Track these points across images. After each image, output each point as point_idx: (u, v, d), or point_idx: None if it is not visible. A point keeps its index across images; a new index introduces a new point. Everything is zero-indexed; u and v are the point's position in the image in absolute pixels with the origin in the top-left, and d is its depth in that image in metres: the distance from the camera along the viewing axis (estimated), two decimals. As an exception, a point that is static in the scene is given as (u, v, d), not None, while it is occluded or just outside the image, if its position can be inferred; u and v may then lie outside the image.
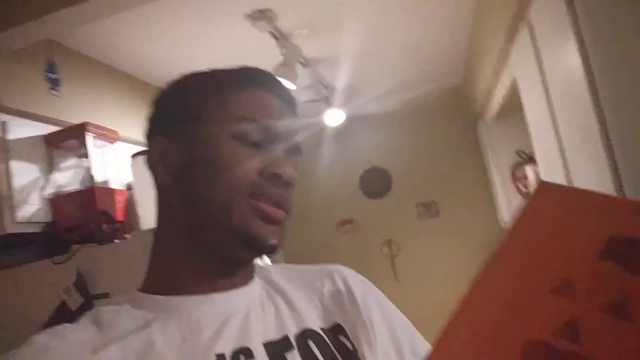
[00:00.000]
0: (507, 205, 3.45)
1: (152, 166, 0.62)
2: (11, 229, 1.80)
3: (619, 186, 1.39)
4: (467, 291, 0.43)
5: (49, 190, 1.95)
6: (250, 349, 0.54)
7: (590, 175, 1.59)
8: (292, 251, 2.60)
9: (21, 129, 1.92)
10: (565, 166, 1.84)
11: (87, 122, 2.00)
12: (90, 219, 1.88)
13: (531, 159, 3.17)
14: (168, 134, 0.62)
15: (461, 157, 4.23)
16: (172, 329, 0.54)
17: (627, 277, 0.36)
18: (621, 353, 0.35)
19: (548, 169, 2.16)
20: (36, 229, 1.91)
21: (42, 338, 0.53)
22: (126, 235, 1.93)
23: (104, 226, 1.89)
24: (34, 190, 1.92)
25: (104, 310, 0.57)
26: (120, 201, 2.04)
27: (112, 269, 1.82)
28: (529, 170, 2.99)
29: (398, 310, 0.69)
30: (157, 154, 0.61)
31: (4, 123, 1.85)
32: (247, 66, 0.65)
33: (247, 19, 2.35)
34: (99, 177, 2.02)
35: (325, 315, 0.63)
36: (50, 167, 2.01)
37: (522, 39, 2.06)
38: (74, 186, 1.97)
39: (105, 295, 1.80)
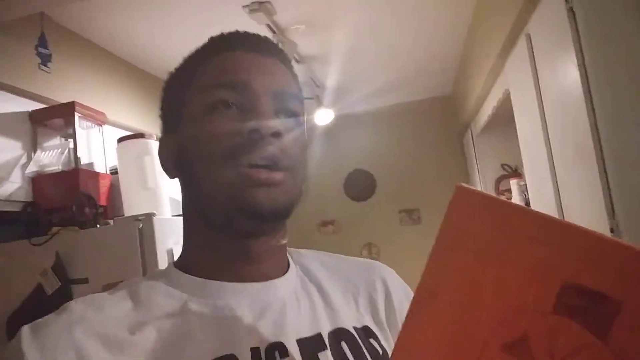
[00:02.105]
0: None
1: (162, 164, 0.62)
2: (-10, 206, 1.75)
3: (611, 207, 1.39)
4: (398, 341, 0.38)
5: (31, 169, 1.89)
6: (284, 345, 0.53)
7: (582, 194, 1.60)
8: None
9: (5, 104, 1.86)
10: (555, 183, 1.85)
11: (75, 101, 1.95)
12: (72, 201, 1.83)
13: (516, 173, 3.21)
14: (167, 129, 0.62)
15: (446, 166, 4.26)
16: (208, 316, 0.53)
17: (589, 341, 0.32)
18: None
19: (536, 184, 2.18)
20: (16, 208, 1.85)
21: (79, 307, 0.52)
22: (108, 221, 1.88)
23: (87, 210, 1.85)
24: (15, 167, 1.86)
25: (141, 285, 0.56)
26: (104, 185, 2.00)
27: (92, 254, 1.78)
28: (513, 183, 3.02)
29: None
30: (162, 151, 0.62)
31: (-14, 96, 1.79)
32: (214, 36, 0.62)
33: (245, 9, 2.33)
34: (83, 159, 1.97)
35: (359, 314, 0.61)
36: (33, 145, 1.95)
37: (519, 49, 2.08)
38: (57, 167, 1.92)
39: (84, 281, 1.76)
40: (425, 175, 4.31)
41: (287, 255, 0.64)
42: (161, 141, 0.63)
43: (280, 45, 0.66)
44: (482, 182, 3.52)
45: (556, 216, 0.37)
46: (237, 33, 0.61)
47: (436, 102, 4.36)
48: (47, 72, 1.79)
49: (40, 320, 0.51)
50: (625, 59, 1.39)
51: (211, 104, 0.55)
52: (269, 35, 2.51)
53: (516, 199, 2.97)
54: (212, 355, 0.50)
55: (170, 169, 0.61)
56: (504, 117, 2.74)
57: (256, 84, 0.56)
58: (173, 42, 2.63)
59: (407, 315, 0.38)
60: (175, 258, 1.88)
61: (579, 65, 1.46)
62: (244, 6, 2.32)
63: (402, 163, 4.37)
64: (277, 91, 0.57)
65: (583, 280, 0.32)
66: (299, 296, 0.59)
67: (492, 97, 2.82)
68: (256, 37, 0.62)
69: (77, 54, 2.34)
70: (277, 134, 0.54)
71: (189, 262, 0.59)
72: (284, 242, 0.62)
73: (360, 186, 4.48)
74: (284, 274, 0.60)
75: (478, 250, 0.36)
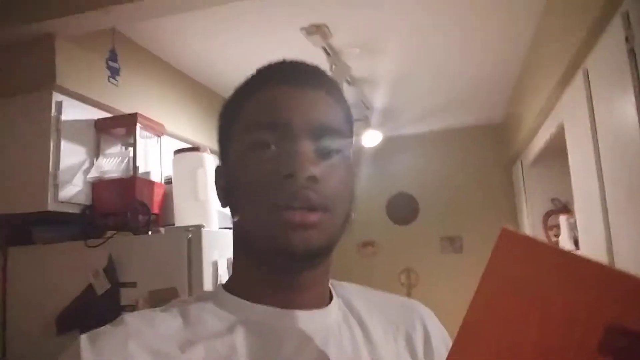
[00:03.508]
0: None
1: (217, 192, 0.64)
2: (52, 207, 1.85)
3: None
4: None
5: (93, 175, 2.00)
6: None
7: (633, 238, 1.55)
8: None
9: (74, 111, 1.98)
10: (606, 223, 1.80)
11: (137, 112, 2.05)
12: (128, 207, 1.92)
13: (566, 208, 3.13)
14: (221, 159, 0.65)
15: (492, 196, 4.18)
16: (254, 339, 0.55)
17: None
18: None
19: (586, 222, 2.12)
20: (75, 210, 1.95)
21: (134, 321, 0.54)
22: (160, 229, 1.96)
23: (140, 217, 1.93)
24: (78, 172, 1.97)
25: (191, 304, 0.59)
26: (158, 194, 2.09)
27: (142, 259, 1.85)
28: (562, 219, 2.94)
29: None
30: (216, 180, 0.64)
31: (59, 103, 1.91)
32: (260, 67, 0.62)
33: (302, 31, 2.39)
34: (141, 168, 2.06)
35: (398, 351, 0.62)
36: (96, 151, 2.06)
37: (576, 84, 2.05)
38: (117, 173, 2.02)
39: (132, 285, 1.83)
40: (470, 203, 4.24)
41: (330, 286, 0.65)
42: (216, 170, 0.65)
43: (332, 68, 0.65)
44: (530, 215, 3.44)
45: (605, 258, 0.38)
46: (282, 64, 0.61)
47: (486, 129, 4.30)
48: (115, 84, 1.90)
49: (97, 330, 0.53)
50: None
51: (252, 144, 0.56)
52: (323, 57, 2.57)
53: (565, 235, 2.88)
54: None
55: (222, 198, 0.63)
56: (556, 151, 2.69)
57: (296, 123, 0.56)
58: (232, 59, 2.73)
59: (450, 353, 0.40)
60: (220, 270, 1.92)
61: (636, 106, 1.43)
62: (301, 28, 2.38)
63: (447, 189, 4.32)
64: (318, 128, 0.57)
65: (627, 323, 0.33)
66: (341, 328, 0.60)
67: (545, 129, 2.77)
68: (300, 68, 0.61)
69: (142, 68, 2.46)
70: (312, 179, 0.54)
71: (237, 286, 0.61)
72: (327, 274, 0.63)
73: (403, 209, 4.45)
74: (327, 305, 0.62)
75: (522, 292, 0.37)
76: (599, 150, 1.84)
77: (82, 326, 1.82)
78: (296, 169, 0.53)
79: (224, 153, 0.63)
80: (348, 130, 0.62)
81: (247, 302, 0.58)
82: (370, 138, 3.76)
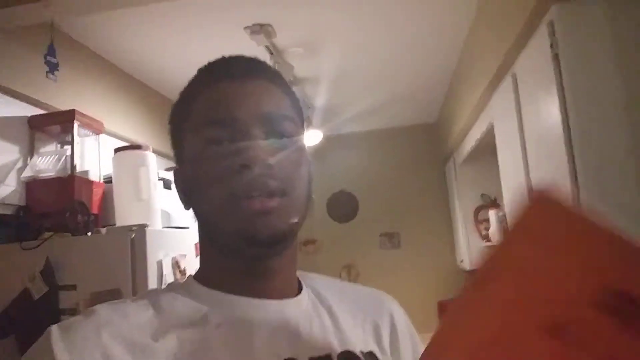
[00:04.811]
0: (467, 245, 3.58)
1: (178, 195, 0.65)
2: (-17, 208, 1.76)
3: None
4: (457, 306, 0.43)
5: (27, 174, 1.91)
6: None
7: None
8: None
9: (6, 108, 1.88)
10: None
11: (75, 109, 1.99)
12: (65, 207, 1.86)
13: (495, 203, 3.32)
14: (176, 162, 0.65)
15: (427, 193, 4.36)
16: (226, 328, 0.56)
17: (617, 336, 0.36)
18: None
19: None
20: (8, 211, 1.86)
21: (106, 311, 0.54)
22: (100, 229, 1.90)
23: (79, 217, 1.87)
24: (11, 171, 1.88)
25: (161, 295, 0.59)
26: (97, 193, 2.03)
27: (82, 261, 1.79)
28: (491, 213, 3.11)
29: None
30: (176, 183, 0.65)
31: (-12, 99, 1.82)
32: (201, 67, 0.63)
33: (246, 31, 2.40)
34: (79, 167, 1.99)
35: (365, 339, 0.63)
36: (30, 150, 1.97)
37: (505, 87, 2.19)
38: (53, 173, 1.94)
39: (72, 287, 1.77)
40: (407, 200, 4.40)
41: (299, 277, 0.67)
42: (174, 173, 0.66)
43: (275, 67, 0.67)
44: (462, 210, 3.62)
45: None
46: (222, 61, 0.62)
47: (422, 129, 4.48)
48: (53, 80, 1.83)
49: (67, 321, 0.53)
50: (604, 105, 1.49)
51: (205, 143, 0.58)
52: (267, 57, 2.59)
53: (494, 228, 3.06)
54: None
55: (183, 200, 0.64)
56: (487, 149, 2.85)
57: (242, 115, 0.57)
58: (175, 58, 2.69)
59: (468, 288, 0.44)
60: (165, 270, 1.89)
61: (560, 108, 1.56)
62: (245, 27, 2.39)
63: (385, 187, 4.45)
64: (266, 115, 0.58)
65: (624, 286, 0.37)
66: (311, 317, 0.62)
67: (476, 128, 2.92)
68: (241, 60, 0.62)
69: (81, 65, 2.38)
70: (267, 166, 0.55)
71: (207, 276, 0.62)
72: (294, 262, 0.65)
73: (343, 207, 4.54)
74: (296, 294, 0.63)
75: (533, 242, 0.41)
76: (525, 148, 1.98)
77: (19, 331, 1.75)
78: (250, 159, 0.55)
79: (178, 155, 0.64)
80: (297, 115, 0.64)
81: (218, 292, 0.59)
82: (311, 137, 3.80)
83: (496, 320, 0.40)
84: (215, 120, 0.58)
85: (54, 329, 0.51)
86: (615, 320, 0.36)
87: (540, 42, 1.68)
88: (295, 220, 0.58)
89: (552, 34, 1.57)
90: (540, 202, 0.43)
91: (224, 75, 0.60)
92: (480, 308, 0.41)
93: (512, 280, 0.41)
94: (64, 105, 2.10)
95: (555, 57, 1.56)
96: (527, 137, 1.96)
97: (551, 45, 1.58)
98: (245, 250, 0.57)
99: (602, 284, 0.37)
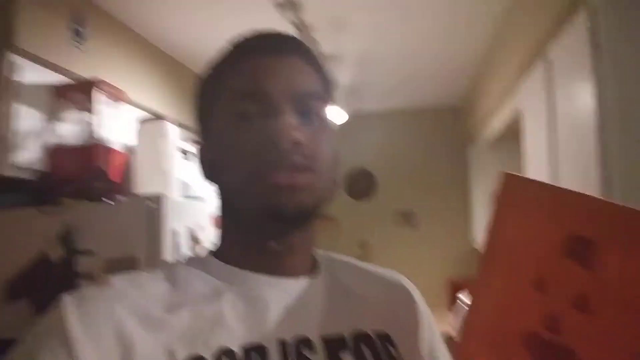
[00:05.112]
0: (483, 227, 3.54)
1: (200, 168, 0.64)
2: (5, 171, 1.78)
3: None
4: (476, 288, 0.51)
5: (49, 140, 1.92)
6: (310, 340, 0.55)
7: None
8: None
9: (31, 74, 1.89)
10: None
11: (97, 78, 1.98)
12: (86, 175, 1.87)
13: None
14: (202, 135, 0.65)
15: (446, 174, 4.33)
16: (241, 304, 0.56)
17: (583, 274, 0.43)
18: (592, 345, 0.43)
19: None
20: (30, 176, 1.88)
21: (121, 282, 0.54)
22: (120, 197, 1.92)
23: (99, 184, 1.88)
24: (34, 137, 1.89)
25: (178, 268, 0.59)
26: (118, 162, 2.04)
27: (100, 228, 1.81)
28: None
29: (442, 340, 0.69)
30: (200, 156, 0.64)
31: (14, 64, 1.82)
32: (234, 40, 0.62)
33: (276, 6, 2.36)
34: (101, 135, 2.00)
35: (380, 321, 0.62)
36: (54, 116, 1.98)
37: (536, 73, 2.11)
38: (75, 140, 1.95)
39: (89, 253, 1.80)
40: (425, 180, 4.38)
41: (316, 256, 0.66)
42: (200, 147, 0.65)
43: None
44: (480, 193, 3.58)
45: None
46: (255, 36, 0.61)
47: (445, 111, 4.42)
48: (78, 47, 1.82)
49: (81, 291, 0.53)
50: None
51: (234, 116, 0.57)
52: (294, 32, 2.54)
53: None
54: (241, 342, 0.52)
55: (206, 172, 0.63)
56: (511, 136, 2.79)
57: (274, 91, 0.56)
58: (201, 32, 2.67)
59: (481, 265, 0.50)
60: (181, 239, 1.91)
61: (596, 93, 1.49)
62: (277, 3, 2.36)
63: (405, 167, 4.44)
64: (297, 93, 0.58)
65: (580, 231, 0.45)
66: (325, 296, 0.61)
67: (502, 114, 2.85)
68: (275, 37, 0.61)
69: (108, 35, 2.38)
70: (296, 144, 0.55)
71: (225, 252, 0.61)
72: (312, 240, 0.64)
73: (361, 185, 4.53)
74: (312, 273, 0.63)
75: (516, 216, 0.49)
76: (556, 137, 1.92)
77: (34, 294, 1.78)
78: (280, 135, 0.54)
79: (205, 128, 0.63)
80: (327, 94, 0.63)
81: (235, 268, 0.59)
82: (335, 115, 3.76)
83: (499, 285, 0.49)
84: (246, 94, 0.57)
85: (68, 299, 0.51)
86: (580, 263, 0.44)
87: (578, 27, 1.61)
88: (320, 198, 0.58)
89: (592, 18, 1.50)
90: (509, 181, 0.50)
91: (257, 50, 0.59)
92: (488, 283, 0.50)
93: (505, 253, 0.49)
94: (88, 74, 2.10)
95: (594, 43, 1.49)
96: (558, 126, 1.90)
97: (590, 32, 1.51)
98: (268, 225, 0.57)
99: (565, 234, 0.45)
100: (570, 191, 0.47)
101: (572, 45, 1.68)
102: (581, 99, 1.61)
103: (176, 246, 1.83)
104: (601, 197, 0.46)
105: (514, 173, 0.50)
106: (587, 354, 0.43)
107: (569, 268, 0.44)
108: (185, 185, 2.12)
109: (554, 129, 1.92)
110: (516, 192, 0.49)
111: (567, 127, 1.80)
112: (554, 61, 1.91)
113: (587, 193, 0.47)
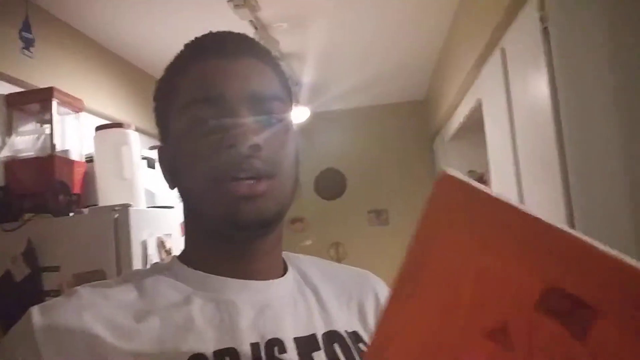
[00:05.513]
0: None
1: (162, 174, 0.63)
2: (-40, 189, 1.71)
3: (570, 217, 1.47)
4: (382, 323, 0.38)
5: (5, 154, 1.86)
6: (282, 342, 0.55)
7: (543, 203, 1.68)
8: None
9: (-19, 86, 1.82)
10: (520, 191, 1.94)
11: (53, 87, 1.93)
12: (46, 188, 1.82)
13: (482, 179, 3.32)
14: (161, 140, 0.63)
15: (416, 169, 4.36)
16: (211, 309, 0.55)
17: (570, 342, 0.33)
18: None
19: (501, 192, 2.25)
20: (-13, 192, 1.82)
21: (88, 292, 0.53)
22: (82, 210, 1.87)
23: (61, 197, 1.83)
24: (-12, 151, 1.83)
25: (145, 276, 0.58)
26: (79, 173, 1.98)
27: (65, 242, 1.77)
28: (480, 189, 3.11)
29: None
30: (160, 162, 0.63)
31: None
32: (188, 43, 0.61)
33: (229, 4, 2.34)
34: (59, 146, 1.95)
35: (350, 319, 0.62)
36: (8, 129, 1.92)
37: (493, 62, 2.16)
38: (32, 152, 1.89)
39: (55, 269, 1.75)
40: (395, 177, 4.40)
41: (284, 257, 0.66)
42: (159, 151, 0.64)
43: (260, 42, 0.65)
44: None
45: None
46: (210, 37, 0.60)
47: (409, 106, 4.46)
48: (29, 56, 1.76)
49: (49, 302, 0.52)
50: (594, 80, 1.47)
51: (191, 121, 0.56)
52: (251, 31, 2.53)
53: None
54: (214, 347, 0.52)
55: (168, 179, 0.62)
56: (475, 125, 2.84)
57: (231, 94, 0.55)
58: (156, 34, 2.62)
59: (388, 301, 0.38)
60: (149, 250, 1.87)
61: (549, 83, 1.54)
62: (228, 1, 2.32)
63: (373, 164, 4.45)
64: (254, 95, 0.56)
65: (566, 285, 0.33)
66: (296, 297, 0.61)
67: (464, 105, 2.91)
68: (229, 38, 0.60)
69: (58, 40, 2.31)
70: (255, 147, 0.54)
71: (192, 258, 0.60)
72: (279, 243, 0.63)
73: (331, 185, 4.53)
74: (282, 275, 0.62)
75: (461, 238, 0.35)
76: (514, 125, 1.97)
77: (1, 313, 1.72)
78: (237, 138, 0.53)
79: (163, 133, 0.62)
80: (286, 95, 0.62)
81: (202, 273, 0.58)
82: (298, 114, 3.76)
83: (436, 324, 0.36)
84: (202, 98, 0.56)
85: (35, 310, 0.50)
86: (559, 322, 0.33)
87: (529, 15, 1.65)
88: (283, 203, 0.57)
89: (541, 6, 1.54)
90: (447, 182, 0.36)
91: (213, 52, 0.58)
92: (418, 311, 0.37)
93: (437, 282, 0.37)
94: (42, 83, 2.04)
95: (545, 31, 1.54)
96: (515, 114, 1.95)
97: (540, 19, 1.55)
98: (230, 234, 0.56)
99: (546, 285, 0.33)
100: (555, 226, 0.33)
101: (525, 35, 1.72)
102: (536, 86, 1.65)
103: (145, 256, 1.80)
104: (599, 246, 0.32)
105: (462, 178, 0.36)
106: None
107: (545, 326, 0.34)
108: (151, 195, 2.08)
109: (512, 117, 1.97)
110: (463, 205, 0.36)
111: (524, 114, 1.85)
112: (509, 51, 1.96)
113: (574, 233, 0.33)
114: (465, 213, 0.35)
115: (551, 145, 1.54)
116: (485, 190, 0.35)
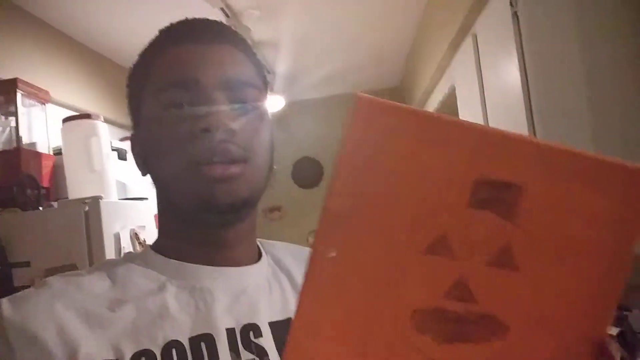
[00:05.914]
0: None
1: (135, 161, 0.63)
2: None
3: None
4: (314, 270, 0.37)
5: (-31, 148, 1.80)
6: (258, 326, 0.55)
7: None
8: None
9: (-59, 78, 1.76)
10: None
11: (17, 78, 1.87)
12: (13, 182, 1.77)
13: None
14: (134, 127, 0.63)
15: (392, 156, 4.37)
16: (186, 296, 0.55)
17: (503, 225, 0.34)
18: (516, 304, 0.35)
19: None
20: (-50, 188, 1.76)
21: (59, 282, 0.53)
22: (52, 203, 1.83)
23: (28, 191, 1.79)
24: (-49, 145, 1.77)
25: (118, 265, 0.57)
26: (46, 166, 1.93)
27: (34, 237, 1.73)
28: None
29: None
30: (133, 148, 0.63)
31: None
32: (162, 28, 0.61)
33: (203, -6, 2.30)
34: (25, 139, 1.89)
35: None
36: (-29, 122, 1.86)
37: (465, 48, 2.17)
38: (-3, 146, 1.83)
39: (25, 264, 1.71)
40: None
41: (259, 244, 0.66)
42: (131, 138, 0.63)
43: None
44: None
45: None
46: (184, 24, 0.60)
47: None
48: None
49: (19, 293, 0.51)
50: (563, 64, 1.49)
51: (164, 105, 0.56)
52: (223, 19, 2.49)
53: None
54: (190, 334, 0.52)
55: (140, 166, 0.62)
56: (449, 111, 2.85)
57: (205, 79, 0.55)
58: (125, 23, 2.56)
59: (316, 235, 0.38)
60: (123, 242, 1.84)
61: (520, 67, 1.55)
62: (198, -13, 2.28)
63: (350, 152, 4.44)
64: (228, 81, 0.56)
65: (490, 173, 0.34)
66: (270, 283, 0.61)
67: (438, 91, 2.92)
68: (205, 24, 0.60)
69: (21, 30, 2.24)
70: (229, 131, 0.54)
71: (166, 246, 0.60)
72: (253, 230, 0.64)
73: (308, 173, 4.53)
74: (256, 262, 0.63)
75: (386, 159, 0.35)
76: (486, 109, 1.98)
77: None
78: (212, 123, 0.53)
79: (136, 119, 0.62)
80: (261, 82, 0.62)
81: (176, 262, 0.58)
82: (273, 103, 3.73)
83: (375, 253, 0.35)
84: (176, 83, 0.56)
85: (4, 301, 0.50)
86: (489, 210, 0.35)
87: (500, 0, 1.65)
88: (256, 188, 0.58)
89: (511, -9, 1.55)
90: (363, 107, 0.36)
91: (187, 38, 0.58)
92: (356, 245, 0.36)
93: (370, 211, 0.35)
94: (6, 75, 1.97)
95: (515, 15, 1.54)
96: (487, 97, 1.96)
97: (511, 3, 1.56)
98: (204, 218, 0.56)
99: (474, 178, 0.34)
100: (470, 123, 0.34)
101: (496, 20, 1.73)
102: (507, 71, 1.66)
103: (119, 249, 1.77)
104: (515, 133, 0.35)
105: (377, 99, 0.36)
106: (510, 314, 0.35)
107: (481, 221, 0.34)
108: (123, 186, 2.04)
109: (484, 102, 1.99)
110: (379, 119, 0.35)
111: (496, 99, 1.87)
112: (480, 36, 1.97)
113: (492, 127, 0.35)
114: (388, 131, 0.35)
115: (523, 128, 1.56)
116: (401, 105, 0.35)
